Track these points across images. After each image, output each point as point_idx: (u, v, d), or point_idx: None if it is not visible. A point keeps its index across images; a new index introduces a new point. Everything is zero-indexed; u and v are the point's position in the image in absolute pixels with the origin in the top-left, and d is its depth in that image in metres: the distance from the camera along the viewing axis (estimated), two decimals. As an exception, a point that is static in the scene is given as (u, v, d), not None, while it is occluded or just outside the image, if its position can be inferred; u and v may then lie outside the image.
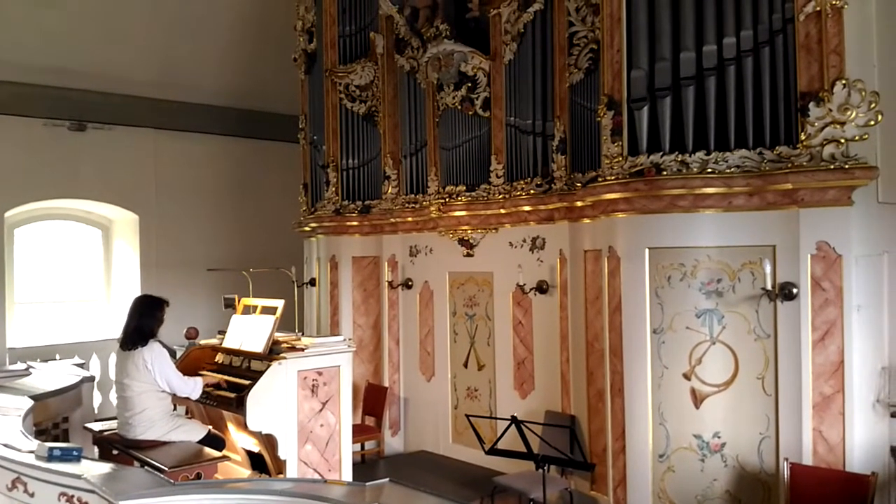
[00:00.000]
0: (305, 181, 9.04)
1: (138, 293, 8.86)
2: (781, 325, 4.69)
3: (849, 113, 4.49)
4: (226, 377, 5.51)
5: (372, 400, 7.90)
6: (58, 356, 8.50)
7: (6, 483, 3.74)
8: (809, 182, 4.54)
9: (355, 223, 8.23)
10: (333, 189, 8.31)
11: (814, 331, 4.60)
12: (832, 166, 4.48)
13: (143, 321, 5.12)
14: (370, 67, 8.18)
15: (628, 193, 5.05)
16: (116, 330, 5.57)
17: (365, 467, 7.30)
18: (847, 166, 4.45)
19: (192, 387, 5.19)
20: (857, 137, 4.50)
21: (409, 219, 7.72)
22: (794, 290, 4.63)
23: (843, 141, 4.50)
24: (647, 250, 5.04)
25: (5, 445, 3.92)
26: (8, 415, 4.70)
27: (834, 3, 4.51)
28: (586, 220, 5.86)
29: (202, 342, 6.34)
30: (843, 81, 4.50)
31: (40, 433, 5.40)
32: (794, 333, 4.64)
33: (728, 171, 4.74)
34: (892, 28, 4.71)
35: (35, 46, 8.80)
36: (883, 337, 4.69)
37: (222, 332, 6.02)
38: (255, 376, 5.17)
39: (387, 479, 3.30)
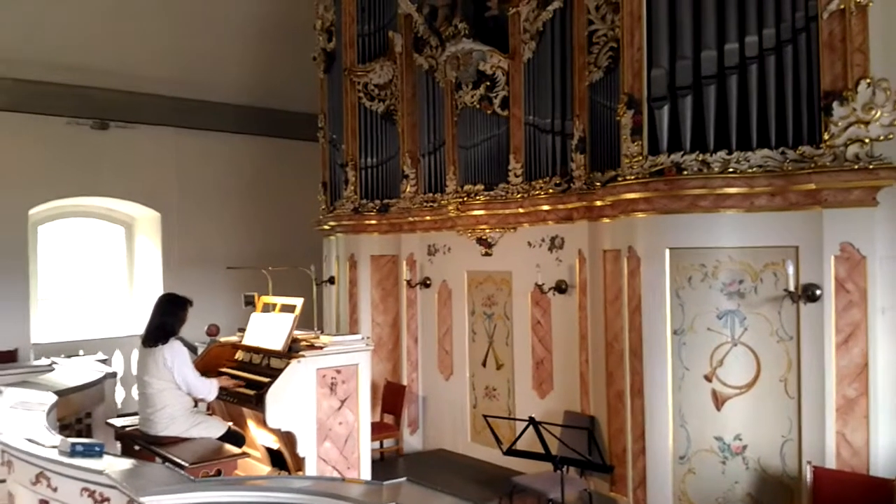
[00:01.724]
0: (324, 180, 9.08)
1: (160, 290, 9.00)
2: (804, 327, 4.64)
3: (873, 112, 4.43)
4: (245, 375, 5.55)
5: (390, 398, 7.92)
6: (81, 352, 8.64)
7: (30, 477, 3.80)
8: (833, 182, 4.48)
9: (374, 222, 8.25)
10: (352, 188, 8.33)
11: (837, 333, 4.54)
12: (856, 166, 4.42)
13: (166, 319, 5.16)
14: (389, 66, 8.20)
15: (648, 193, 5.01)
16: (139, 326, 5.63)
17: (384, 465, 7.32)
18: (871, 166, 4.39)
19: (209, 388, 5.22)
20: (881, 137, 4.44)
21: (428, 218, 7.73)
22: (818, 292, 4.57)
23: (867, 141, 4.44)
24: (667, 250, 5.00)
25: (29, 440, 3.98)
26: (32, 410, 4.77)
27: (858, 1, 4.45)
28: (605, 220, 5.82)
29: (223, 339, 6.39)
30: (868, 80, 4.44)
31: (64, 428, 5.47)
32: (817, 335, 4.59)
33: (750, 170, 4.70)
34: (919, 26, 4.64)
35: (58, 45, 8.90)
36: (908, 339, 4.62)
37: (242, 330, 6.07)
38: (275, 374, 5.21)
39: (404, 479, 3.30)
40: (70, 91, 9.24)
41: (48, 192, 9.41)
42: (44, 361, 6.84)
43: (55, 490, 3.70)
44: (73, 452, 3.71)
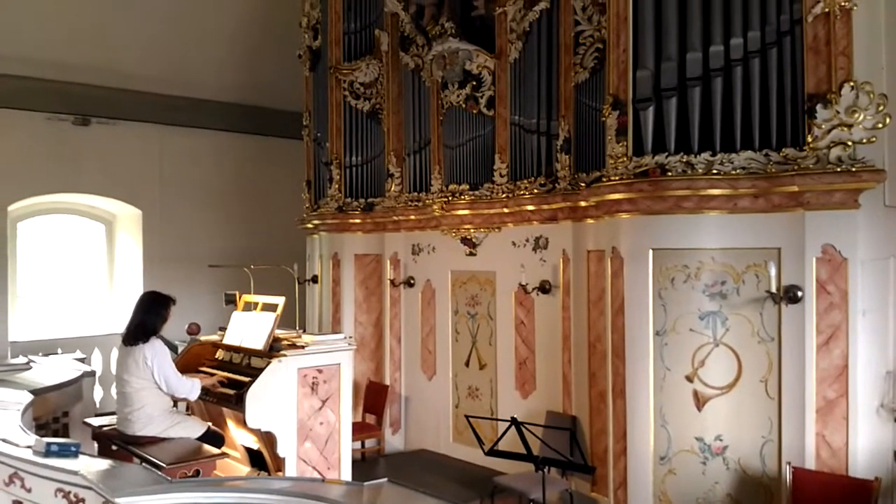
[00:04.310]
0: (309, 178, 9.02)
1: (141, 288, 8.90)
2: (786, 329, 4.66)
3: (856, 115, 4.45)
4: (225, 374, 5.49)
5: (373, 398, 7.88)
6: (60, 350, 8.52)
7: (3, 478, 3.72)
8: (816, 185, 4.51)
9: (358, 221, 8.21)
10: (336, 186, 8.29)
11: (818, 334, 4.56)
12: (839, 169, 4.44)
13: (148, 318, 5.09)
14: (375, 65, 8.15)
15: (632, 194, 5.02)
16: (119, 325, 5.56)
17: (365, 465, 7.29)
18: (854, 169, 4.42)
19: (190, 387, 5.13)
20: (864, 140, 4.47)
21: (412, 217, 7.70)
22: (799, 294, 4.59)
23: (850, 143, 4.47)
24: (650, 251, 5.00)
25: (3, 440, 3.91)
26: (7, 409, 4.68)
27: (843, 4, 4.47)
28: (590, 221, 5.82)
29: (203, 338, 6.33)
30: (851, 83, 4.47)
31: (40, 427, 5.39)
32: (798, 337, 4.61)
33: (733, 172, 4.71)
34: (902, 30, 4.67)
35: (39, 40, 8.78)
36: (888, 341, 4.65)
37: (223, 329, 6.01)
38: (255, 373, 5.16)
39: (385, 480, 3.27)
40: (51, 86, 9.08)
41: (28, 189, 9.25)
42: (21, 360, 6.74)
43: (29, 491, 3.63)
44: (47, 452, 3.64)
